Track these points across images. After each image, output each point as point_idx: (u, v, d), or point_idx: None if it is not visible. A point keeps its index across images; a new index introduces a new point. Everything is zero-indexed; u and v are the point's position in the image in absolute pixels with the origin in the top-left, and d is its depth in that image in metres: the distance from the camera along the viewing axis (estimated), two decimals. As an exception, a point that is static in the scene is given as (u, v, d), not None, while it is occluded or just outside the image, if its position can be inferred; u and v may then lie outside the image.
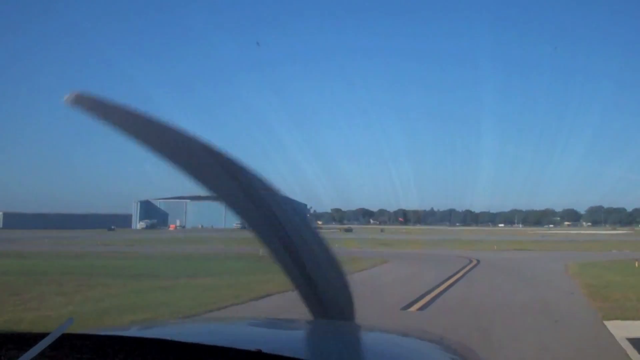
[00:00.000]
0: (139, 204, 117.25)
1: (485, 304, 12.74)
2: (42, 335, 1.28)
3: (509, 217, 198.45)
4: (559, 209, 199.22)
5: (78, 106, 1.90)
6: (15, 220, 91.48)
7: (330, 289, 2.18)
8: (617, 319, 10.49)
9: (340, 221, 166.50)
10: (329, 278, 2.20)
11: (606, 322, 10.18)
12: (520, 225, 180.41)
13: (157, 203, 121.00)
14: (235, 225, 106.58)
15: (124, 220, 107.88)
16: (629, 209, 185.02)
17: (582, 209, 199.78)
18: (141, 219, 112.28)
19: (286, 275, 2.19)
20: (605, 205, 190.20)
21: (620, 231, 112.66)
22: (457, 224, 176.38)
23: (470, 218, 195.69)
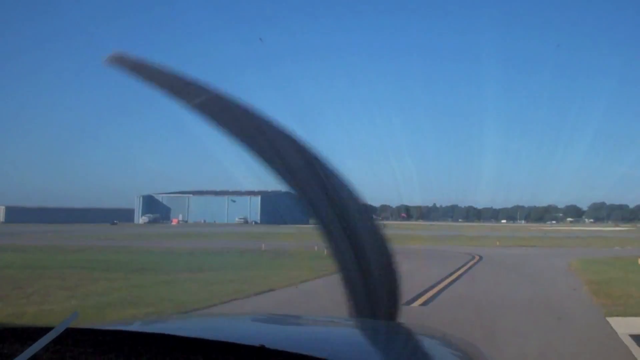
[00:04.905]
0: (141, 198, 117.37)
1: (488, 300, 12.74)
2: (46, 330, 1.28)
3: (512, 213, 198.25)
4: (561, 205, 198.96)
5: (118, 66, 1.89)
6: (18, 215, 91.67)
7: (382, 288, 2.18)
8: (619, 315, 10.49)
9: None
10: (382, 277, 2.20)
11: (609, 319, 10.17)
12: (523, 222, 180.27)
13: (159, 198, 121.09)
14: (237, 219, 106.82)
15: (126, 215, 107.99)
16: (632, 205, 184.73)
17: (584, 206, 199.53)
18: (144, 213, 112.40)
19: (341, 271, 2.17)
20: (608, 201, 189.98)
21: (623, 228, 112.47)
22: (460, 220, 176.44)
23: (472, 214, 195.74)
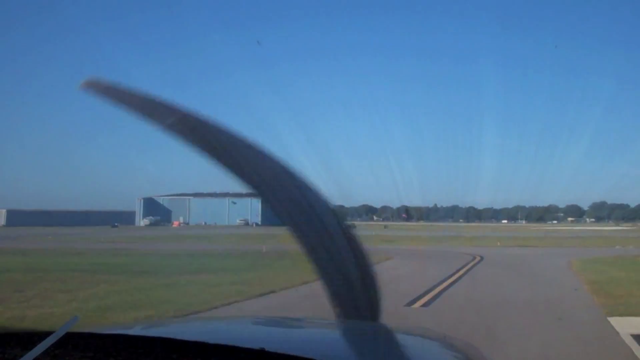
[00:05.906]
0: (142, 201, 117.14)
1: (489, 301, 12.73)
2: (47, 334, 1.28)
3: (513, 213, 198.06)
4: (562, 205, 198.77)
5: (92, 90, 1.96)
6: (19, 218, 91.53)
7: (360, 289, 2.20)
8: (621, 315, 10.48)
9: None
10: (359, 277, 2.22)
11: (610, 319, 10.16)
12: (524, 222, 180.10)
13: (160, 200, 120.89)
14: (238, 221, 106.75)
15: (127, 218, 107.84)
16: (633, 204, 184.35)
17: (585, 205, 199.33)
18: (144, 216, 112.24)
19: (319, 274, 2.20)
20: (609, 201, 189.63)
21: (624, 227, 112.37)
22: (461, 221, 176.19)
23: (473, 214, 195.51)
